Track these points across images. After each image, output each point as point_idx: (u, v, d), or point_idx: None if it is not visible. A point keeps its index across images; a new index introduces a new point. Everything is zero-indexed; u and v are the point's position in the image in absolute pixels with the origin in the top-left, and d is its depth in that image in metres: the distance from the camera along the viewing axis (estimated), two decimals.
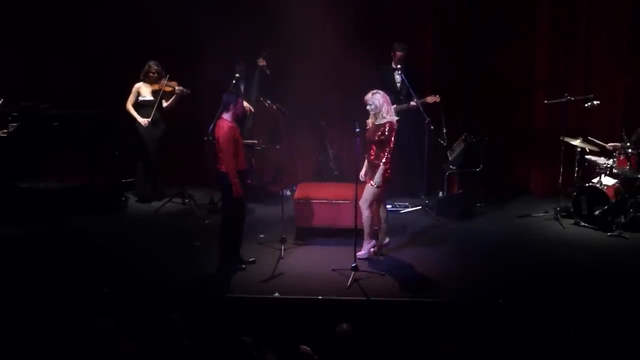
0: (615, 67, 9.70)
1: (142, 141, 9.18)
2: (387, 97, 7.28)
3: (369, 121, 7.30)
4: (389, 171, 7.23)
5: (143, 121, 9.09)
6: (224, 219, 7.21)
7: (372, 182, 7.22)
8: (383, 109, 7.17)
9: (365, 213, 7.29)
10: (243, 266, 7.17)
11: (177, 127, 9.37)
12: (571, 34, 9.73)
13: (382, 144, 7.17)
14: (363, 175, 7.40)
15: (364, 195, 7.27)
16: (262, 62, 9.17)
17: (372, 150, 7.28)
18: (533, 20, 9.79)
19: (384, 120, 7.16)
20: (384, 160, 7.14)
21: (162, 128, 9.25)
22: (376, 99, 7.16)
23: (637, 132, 8.60)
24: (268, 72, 9.22)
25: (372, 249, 7.45)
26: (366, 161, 7.40)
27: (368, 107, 7.21)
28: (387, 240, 7.65)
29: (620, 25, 9.63)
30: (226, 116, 7.00)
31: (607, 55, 9.70)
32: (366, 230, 7.39)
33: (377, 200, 7.35)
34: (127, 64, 9.51)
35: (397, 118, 9.15)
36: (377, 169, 7.19)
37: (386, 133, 7.12)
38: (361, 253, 7.35)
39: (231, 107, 6.98)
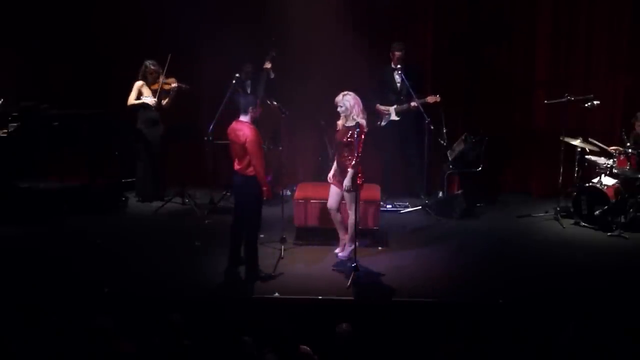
0: (615, 67, 9.69)
1: (144, 141, 9.16)
2: (359, 99, 7.15)
3: (339, 122, 7.21)
4: (360, 174, 7.08)
5: (150, 100, 9.07)
6: (248, 226, 7.00)
7: (344, 186, 7.10)
8: (354, 111, 7.06)
9: (351, 217, 7.21)
10: (263, 274, 7.04)
11: (178, 127, 9.37)
12: (571, 34, 9.73)
13: (351, 147, 7.06)
14: (331, 177, 7.36)
15: (346, 201, 7.20)
16: (267, 65, 9.15)
17: (342, 153, 7.19)
18: (533, 20, 9.79)
19: (355, 122, 7.04)
20: (353, 163, 7.02)
21: (161, 129, 9.23)
22: (347, 100, 7.06)
23: (633, 135, 8.62)
24: (272, 75, 9.19)
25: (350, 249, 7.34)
26: (335, 163, 7.34)
27: (339, 109, 7.10)
28: (351, 247, 7.35)
29: (620, 25, 9.63)
30: (245, 119, 6.83)
31: (607, 55, 9.70)
32: (350, 232, 7.30)
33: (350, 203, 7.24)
34: (128, 64, 9.50)
35: (397, 118, 9.28)
36: (347, 172, 7.08)
37: (355, 135, 6.97)
38: (343, 254, 7.38)
39: (250, 109, 6.83)
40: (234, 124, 6.91)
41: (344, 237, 7.46)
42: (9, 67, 9.95)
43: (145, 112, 9.17)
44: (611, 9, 9.62)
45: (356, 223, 7.16)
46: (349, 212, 7.21)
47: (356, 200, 7.07)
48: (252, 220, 6.97)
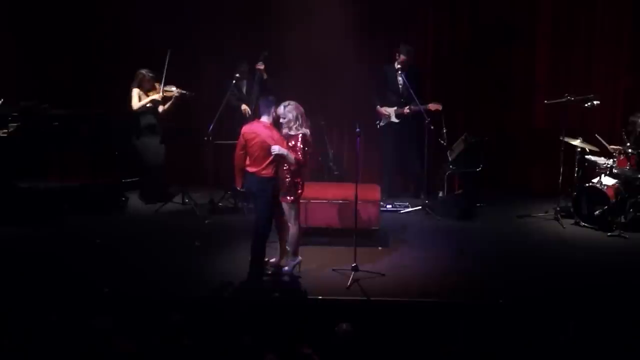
0: (615, 67, 9.71)
1: (145, 148, 9.14)
2: (301, 108, 6.94)
3: (283, 131, 7.03)
4: (300, 183, 6.98)
5: (157, 96, 9.04)
6: (258, 225, 7.00)
7: (288, 197, 6.95)
8: (297, 122, 6.88)
9: (292, 229, 7.05)
10: (284, 268, 7.09)
11: (178, 127, 9.37)
12: (571, 34, 9.75)
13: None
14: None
15: (285, 211, 7.01)
16: (260, 66, 9.09)
17: (282, 161, 7.00)
18: (533, 20, 9.81)
19: (298, 132, 6.87)
20: (294, 158, 6.85)
21: (159, 133, 9.21)
22: (289, 111, 6.87)
23: (631, 122, 8.59)
24: (265, 76, 9.11)
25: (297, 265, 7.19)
26: None
27: (282, 120, 6.90)
28: (297, 259, 7.17)
29: (620, 25, 9.65)
30: (267, 120, 6.87)
31: (608, 56, 9.72)
32: (292, 244, 7.11)
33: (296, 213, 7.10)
34: (128, 64, 9.51)
35: (396, 120, 9.29)
36: (286, 181, 6.95)
37: (299, 145, 6.84)
38: (285, 269, 7.14)
39: (273, 111, 6.89)
40: (255, 126, 6.91)
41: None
42: (8, 67, 9.96)
43: (144, 119, 9.14)
44: (611, 10, 9.64)
45: (298, 235, 7.08)
46: (289, 224, 7.05)
47: (297, 211, 7.03)
48: (263, 220, 6.99)
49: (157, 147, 9.18)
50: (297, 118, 6.87)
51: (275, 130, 6.85)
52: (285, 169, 6.91)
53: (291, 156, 6.80)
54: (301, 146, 6.84)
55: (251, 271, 6.99)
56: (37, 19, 10.05)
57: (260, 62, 9.08)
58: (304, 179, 7.08)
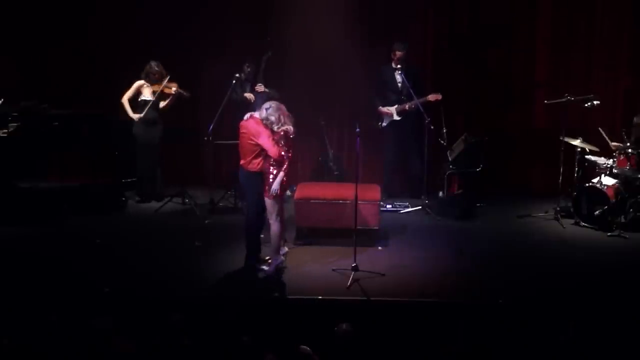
0: (615, 67, 9.71)
1: (139, 142, 9.18)
2: (281, 106, 6.95)
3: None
4: (285, 179, 6.99)
5: (135, 116, 9.12)
6: (249, 218, 7.13)
7: (271, 191, 6.95)
8: (280, 122, 6.90)
9: (274, 226, 7.06)
10: (264, 267, 7.12)
11: (178, 127, 9.38)
12: (571, 34, 9.75)
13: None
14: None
15: (268, 208, 7.02)
16: (259, 89, 9.05)
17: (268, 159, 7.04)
18: (533, 20, 9.81)
19: (280, 129, 6.91)
20: (285, 167, 6.92)
21: (159, 129, 9.24)
22: (270, 114, 6.87)
23: (635, 124, 8.59)
24: (268, 91, 9.06)
25: (279, 263, 7.19)
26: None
27: (265, 122, 6.89)
28: (279, 259, 7.20)
29: (621, 25, 9.64)
30: (258, 114, 6.97)
31: (607, 56, 9.71)
32: (274, 244, 7.13)
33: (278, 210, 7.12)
34: (128, 64, 9.51)
35: (398, 118, 9.29)
36: (269, 176, 6.96)
37: (281, 141, 6.91)
38: (269, 269, 7.12)
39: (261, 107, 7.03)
40: (248, 121, 7.02)
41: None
42: (8, 67, 9.96)
43: (147, 112, 9.16)
44: (611, 9, 9.63)
45: (281, 233, 7.13)
46: (270, 221, 7.07)
47: (279, 208, 7.05)
48: (252, 214, 7.07)
49: (155, 141, 9.21)
50: (279, 119, 6.91)
51: (263, 126, 6.90)
52: (273, 165, 6.94)
53: (282, 174, 6.91)
54: (282, 142, 6.93)
55: (246, 266, 7.04)
56: (38, 19, 10.04)
57: (260, 85, 9.05)
58: (300, 178, 7.10)
